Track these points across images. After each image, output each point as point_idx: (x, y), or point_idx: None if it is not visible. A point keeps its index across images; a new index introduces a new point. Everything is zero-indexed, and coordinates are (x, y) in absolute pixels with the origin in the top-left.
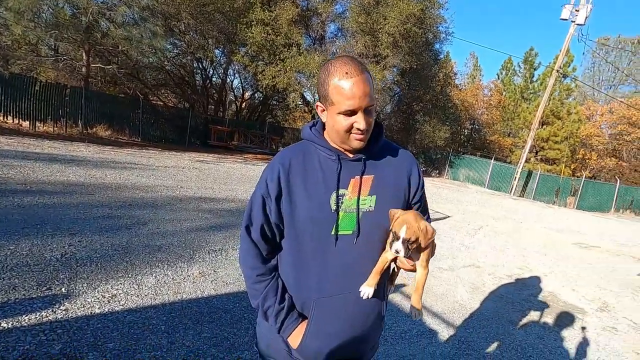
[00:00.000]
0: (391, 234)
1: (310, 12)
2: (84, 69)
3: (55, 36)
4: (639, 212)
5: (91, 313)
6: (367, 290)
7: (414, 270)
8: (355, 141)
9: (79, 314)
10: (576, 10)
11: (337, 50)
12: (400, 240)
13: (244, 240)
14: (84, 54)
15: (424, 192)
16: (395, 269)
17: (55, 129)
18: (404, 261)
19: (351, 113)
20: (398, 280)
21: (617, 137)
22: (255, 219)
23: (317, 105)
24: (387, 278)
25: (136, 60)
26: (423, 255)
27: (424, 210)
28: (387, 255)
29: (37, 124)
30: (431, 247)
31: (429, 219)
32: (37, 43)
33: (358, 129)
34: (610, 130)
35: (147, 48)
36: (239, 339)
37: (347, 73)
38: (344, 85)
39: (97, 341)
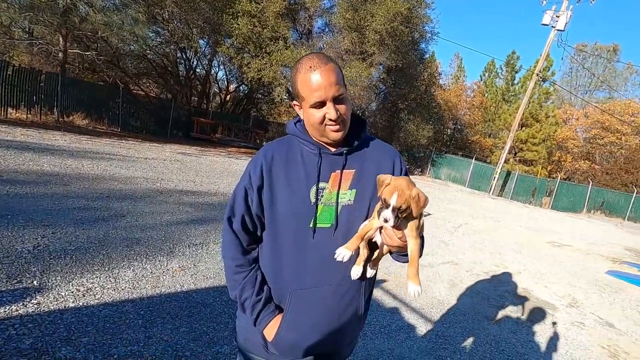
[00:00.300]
0: (380, 201)
1: (297, 6)
2: (60, 55)
3: (30, 19)
4: (609, 213)
5: (65, 307)
6: (343, 252)
7: (403, 247)
8: (332, 132)
9: (51, 307)
10: (557, 16)
11: (324, 45)
12: (390, 208)
13: (226, 232)
14: (60, 38)
15: None
16: (379, 252)
17: (29, 116)
18: (392, 234)
19: (321, 104)
20: (378, 276)
21: (591, 140)
22: (237, 210)
23: (294, 104)
24: (367, 268)
25: (116, 48)
26: (412, 225)
27: None
28: (374, 222)
29: (9, 110)
30: (420, 219)
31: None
32: (10, 25)
33: (330, 119)
34: (584, 134)
35: (129, 35)
36: (219, 334)
37: (310, 67)
38: (309, 78)
39: (71, 335)
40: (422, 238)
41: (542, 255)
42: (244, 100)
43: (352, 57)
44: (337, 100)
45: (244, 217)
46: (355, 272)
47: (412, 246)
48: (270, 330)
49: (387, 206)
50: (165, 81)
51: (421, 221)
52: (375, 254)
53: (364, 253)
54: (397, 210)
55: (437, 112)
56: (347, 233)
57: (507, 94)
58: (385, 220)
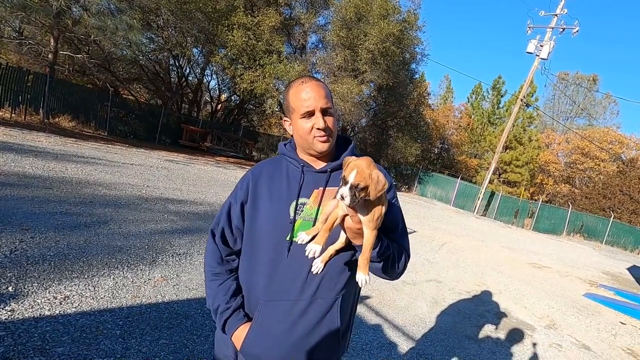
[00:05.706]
0: (341, 181)
1: (292, 21)
2: (50, 56)
3: (21, 18)
4: (587, 237)
5: (40, 315)
6: (314, 247)
7: (359, 234)
8: (320, 143)
9: (26, 315)
10: (541, 46)
11: (317, 60)
12: (348, 185)
13: (208, 241)
14: (52, 39)
15: (395, 209)
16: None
17: (13, 115)
18: (350, 220)
19: (310, 114)
20: (363, 292)
21: (572, 165)
22: (220, 223)
23: (284, 121)
24: (351, 291)
25: (108, 52)
26: (370, 215)
27: (394, 228)
28: (339, 210)
29: None
30: (380, 209)
31: (407, 240)
32: (0, 23)
33: (318, 128)
34: (565, 158)
35: (122, 40)
36: (198, 347)
37: (302, 82)
38: (300, 90)
39: (45, 345)
40: (382, 238)
41: (523, 275)
42: (235, 110)
43: (344, 74)
44: (325, 112)
45: (224, 229)
46: (313, 249)
47: (366, 236)
48: (238, 338)
49: (346, 183)
50: (156, 87)
51: (381, 212)
52: (336, 246)
53: (330, 251)
54: (354, 188)
55: (425, 131)
56: (322, 249)
57: (493, 117)
58: (342, 197)
